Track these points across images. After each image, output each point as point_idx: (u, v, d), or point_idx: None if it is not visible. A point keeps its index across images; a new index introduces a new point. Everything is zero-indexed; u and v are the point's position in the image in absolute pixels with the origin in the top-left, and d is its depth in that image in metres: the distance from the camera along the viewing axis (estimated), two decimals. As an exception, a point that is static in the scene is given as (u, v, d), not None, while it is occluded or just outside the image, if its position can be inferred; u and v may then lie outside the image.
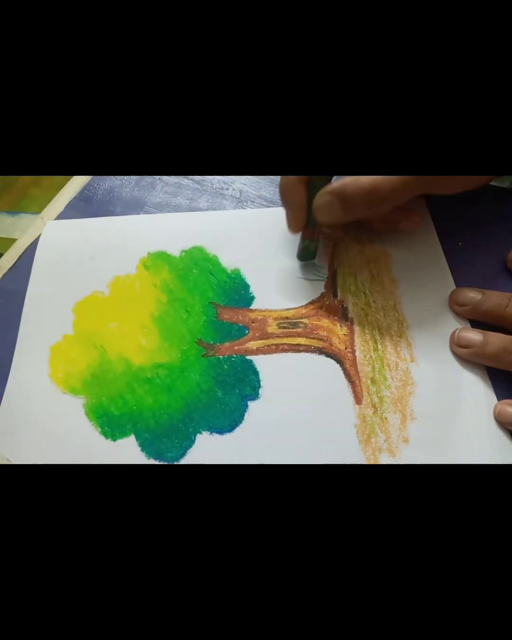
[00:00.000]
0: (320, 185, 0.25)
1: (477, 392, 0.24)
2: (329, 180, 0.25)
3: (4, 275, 0.30)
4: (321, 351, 0.26)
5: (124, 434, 0.24)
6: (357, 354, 0.25)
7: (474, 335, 0.24)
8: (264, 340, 0.26)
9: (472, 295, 0.25)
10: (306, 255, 0.28)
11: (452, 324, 0.26)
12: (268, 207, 0.32)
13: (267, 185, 0.33)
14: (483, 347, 0.23)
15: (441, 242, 0.28)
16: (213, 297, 0.28)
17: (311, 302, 0.27)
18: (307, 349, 0.26)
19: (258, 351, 0.26)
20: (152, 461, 0.23)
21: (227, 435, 0.24)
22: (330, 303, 0.27)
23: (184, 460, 0.23)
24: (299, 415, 0.24)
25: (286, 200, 0.27)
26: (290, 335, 0.26)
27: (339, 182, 0.24)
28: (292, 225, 0.27)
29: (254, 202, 0.32)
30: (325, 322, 0.26)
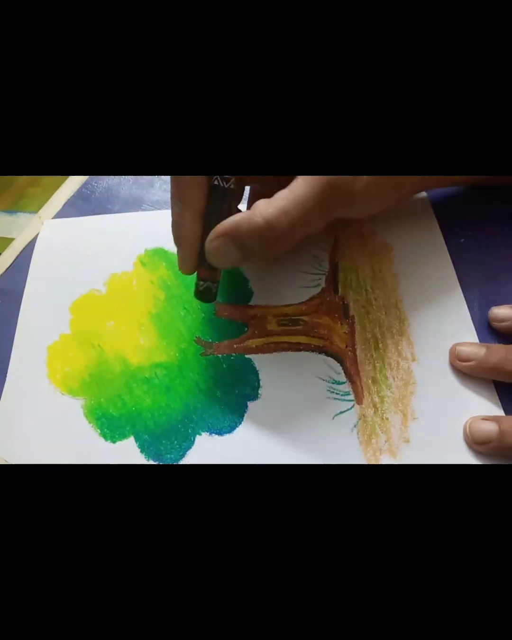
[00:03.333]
0: (216, 219, 0.21)
1: (479, 391, 0.23)
2: (229, 211, 0.22)
3: (2, 274, 0.30)
4: (321, 350, 0.25)
5: (123, 436, 0.24)
6: (358, 352, 0.25)
7: (476, 349, 0.23)
8: (263, 339, 0.26)
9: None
10: (206, 297, 0.24)
11: (454, 322, 0.25)
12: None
13: (266, 181, 0.32)
14: (485, 359, 0.23)
15: (444, 238, 0.28)
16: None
17: (311, 298, 0.27)
18: (307, 348, 0.25)
19: (257, 349, 0.26)
20: (151, 463, 0.23)
21: (227, 436, 0.24)
22: (331, 299, 0.27)
23: (184, 462, 0.23)
24: (299, 416, 0.24)
25: (175, 236, 0.23)
26: (290, 333, 0.26)
27: (231, 220, 0.20)
28: (184, 265, 0.23)
29: (253, 198, 0.32)
30: (325, 319, 0.26)
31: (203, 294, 0.24)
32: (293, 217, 0.20)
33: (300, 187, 0.20)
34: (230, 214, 0.21)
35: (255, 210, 0.20)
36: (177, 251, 0.23)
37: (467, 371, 0.24)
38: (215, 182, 0.22)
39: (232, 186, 0.22)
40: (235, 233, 0.20)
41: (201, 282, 0.23)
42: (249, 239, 0.20)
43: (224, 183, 0.22)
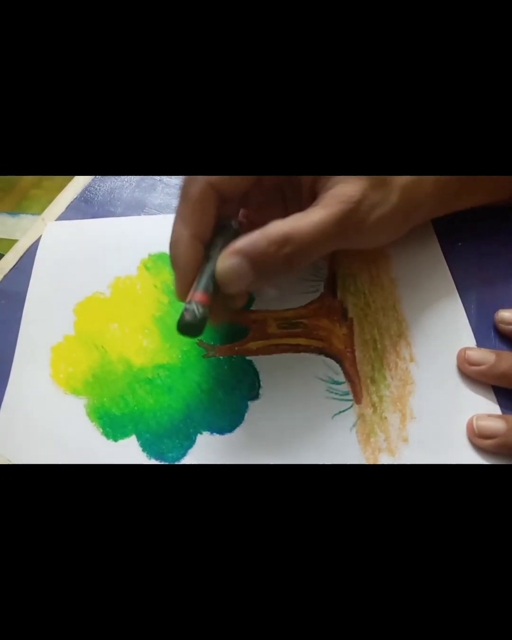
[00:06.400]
0: (222, 242, 0.20)
1: (477, 391, 0.24)
2: (235, 233, 0.21)
3: (5, 276, 0.31)
4: (320, 351, 0.26)
5: (125, 435, 0.24)
6: (356, 353, 0.25)
7: (487, 355, 0.23)
8: (263, 341, 0.26)
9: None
10: (193, 327, 0.20)
11: (451, 324, 0.26)
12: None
13: (266, 185, 0.33)
14: (495, 365, 0.23)
15: (439, 241, 0.28)
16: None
17: (311, 303, 0.27)
18: (307, 349, 0.26)
19: (258, 351, 0.26)
20: (153, 461, 0.24)
21: (228, 435, 0.24)
22: (329, 303, 0.27)
23: (185, 461, 0.23)
24: (299, 415, 0.24)
25: (174, 259, 0.21)
26: (290, 335, 0.26)
27: (245, 239, 0.19)
28: (182, 289, 0.21)
29: (253, 202, 0.32)
30: (324, 321, 0.27)
31: (190, 323, 0.19)
32: (308, 233, 0.19)
33: (316, 212, 0.20)
34: None
35: (269, 228, 0.19)
36: (175, 276, 0.21)
37: (475, 376, 0.24)
38: (227, 226, 0.22)
39: (239, 228, 0.22)
40: (251, 249, 0.19)
41: (193, 306, 0.20)
42: (267, 254, 0.19)
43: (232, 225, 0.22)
